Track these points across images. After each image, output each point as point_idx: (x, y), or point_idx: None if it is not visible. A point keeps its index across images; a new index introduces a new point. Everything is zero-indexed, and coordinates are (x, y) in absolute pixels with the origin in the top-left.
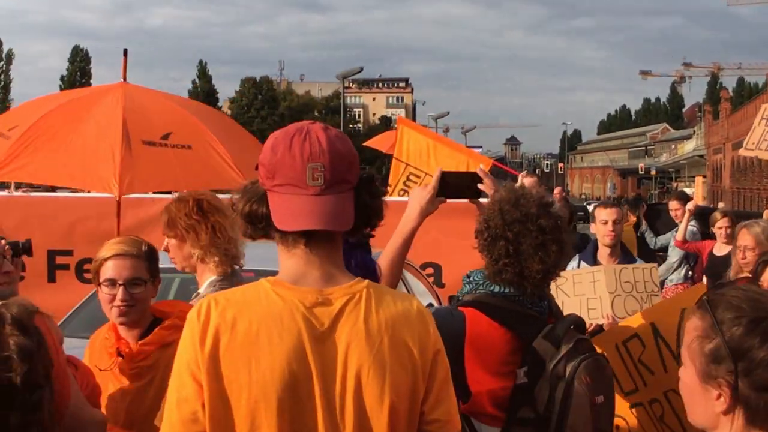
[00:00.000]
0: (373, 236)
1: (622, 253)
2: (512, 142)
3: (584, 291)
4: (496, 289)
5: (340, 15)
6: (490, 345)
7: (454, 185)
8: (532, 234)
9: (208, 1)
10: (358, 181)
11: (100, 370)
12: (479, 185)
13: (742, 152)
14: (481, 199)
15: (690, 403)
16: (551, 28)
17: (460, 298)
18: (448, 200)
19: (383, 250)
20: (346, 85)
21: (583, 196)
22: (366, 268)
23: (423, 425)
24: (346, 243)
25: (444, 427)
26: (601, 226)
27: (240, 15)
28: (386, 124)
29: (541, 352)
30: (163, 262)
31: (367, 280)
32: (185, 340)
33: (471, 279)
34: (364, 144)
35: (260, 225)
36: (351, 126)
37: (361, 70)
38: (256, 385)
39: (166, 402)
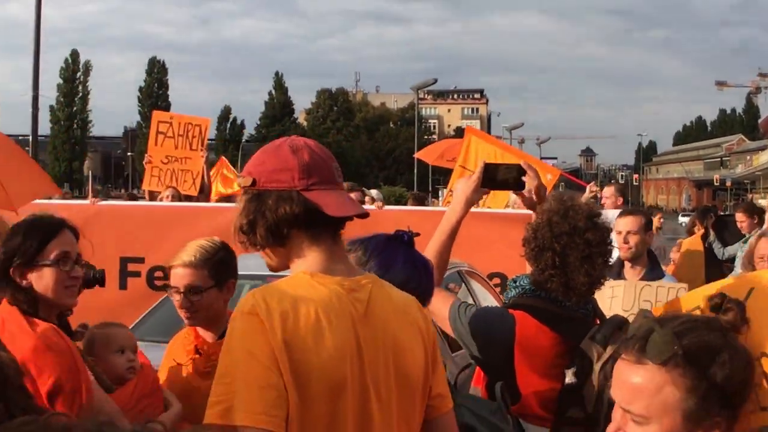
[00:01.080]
0: (418, 234)
1: (649, 266)
2: (587, 153)
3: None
4: (543, 293)
5: (416, 27)
6: (538, 347)
7: (498, 176)
8: (579, 247)
9: (286, 13)
10: None
11: (178, 364)
12: (523, 177)
13: None
14: (529, 211)
15: None
16: (628, 39)
17: (508, 301)
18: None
19: (430, 242)
20: (421, 96)
21: (660, 208)
22: (415, 264)
23: (430, 400)
24: (388, 240)
25: (444, 401)
26: (617, 236)
27: (317, 28)
28: (461, 135)
29: (588, 352)
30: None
31: (365, 272)
32: (248, 331)
33: (518, 284)
34: (415, 156)
35: (287, 226)
36: (425, 137)
37: (436, 81)
38: (327, 364)
39: (237, 393)
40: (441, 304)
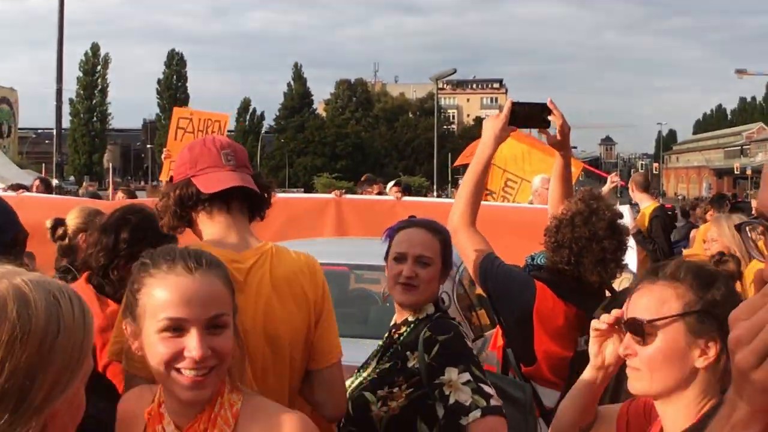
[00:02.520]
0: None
1: None
2: (607, 142)
3: None
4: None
5: (435, 17)
6: (554, 317)
7: (525, 115)
8: (595, 252)
9: (304, 4)
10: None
11: None
12: (549, 117)
13: None
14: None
15: (662, 369)
16: (647, 27)
17: (527, 272)
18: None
19: (463, 179)
20: (440, 86)
21: (680, 197)
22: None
23: (313, 354)
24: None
25: (327, 356)
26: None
27: (335, 18)
28: (480, 125)
29: None
30: None
31: (271, 243)
32: None
33: (536, 261)
34: (455, 165)
35: (189, 203)
36: (445, 127)
37: (455, 71)
38: None
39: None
40: (472, 248)
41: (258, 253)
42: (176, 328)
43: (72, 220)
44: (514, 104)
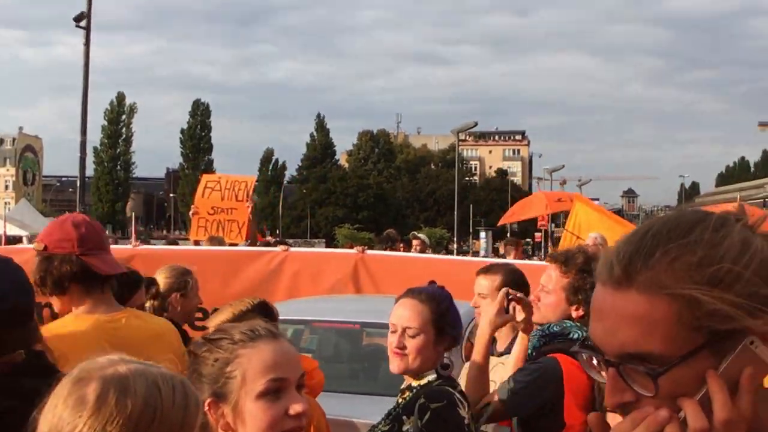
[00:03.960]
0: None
1: None
2: (629, 194)
3: None
4: (575, 335)
5: (459, 68)
6: (581, 383)
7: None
8: None
9: (330, 55)
10: None
11: None
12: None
13: None
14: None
15: None
16: (671, 80)
17: (538, 347)
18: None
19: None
20: (462, 138)
21: None
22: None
23: None
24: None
25: None
26: None
27: (360, 69)
28: (502, 176)
29: None
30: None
31: (128, 309)
32: None
33: (545, 332)
34: (499, 223)
35: (67, 280)
36: (466, 179)
37: (476, 124)
38: None
39: None
40: (496, 404)
41: (125, 315)
42: (277, 390)
43: (163, 279)
44: (509, 292)
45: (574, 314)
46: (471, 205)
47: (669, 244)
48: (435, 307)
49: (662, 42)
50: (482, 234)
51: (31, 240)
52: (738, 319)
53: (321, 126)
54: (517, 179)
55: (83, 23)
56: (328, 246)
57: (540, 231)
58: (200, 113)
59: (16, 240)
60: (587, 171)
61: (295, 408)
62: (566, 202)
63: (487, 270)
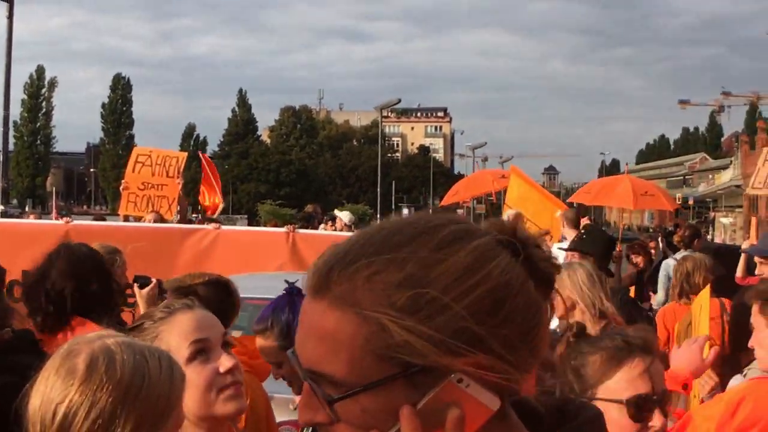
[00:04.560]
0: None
1: None
2: (550, 171)
3: None
4: None
5: (380, 44)
6: None
7: None
8: None
9: (251, 30)
10: None
11: None
12: None
13: (749, 191)
14: None
15: None
16: (592, 57)
17: None
18: None
19: None
20: (385, 114)
21: (626, 227)
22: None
23: None
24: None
25: None
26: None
27: (282, 44)
28: (424, 153)
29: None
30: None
31: None
32: None
33: None
34: (442, 204)
35: None
36: (389, 155)
37: (399, 101)
38: None
39: None
40: None
41: None
42: (202, 351)
43: None
44: None
45: None
46: (393, 182)
47: (375, 256)
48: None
49: (583, 19)
50: (405, 210)
51: None
52: (431, 356)
53: (243, 101)
54: (440, 156)
55: None
56: (250, 222)
57: (462, 208)
58: (121, 87)
59: None
60: (509, 148)
61: (225, 364)
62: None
63: None
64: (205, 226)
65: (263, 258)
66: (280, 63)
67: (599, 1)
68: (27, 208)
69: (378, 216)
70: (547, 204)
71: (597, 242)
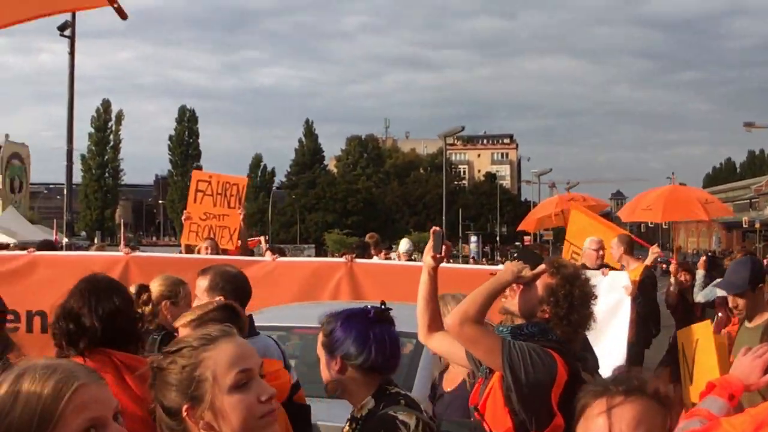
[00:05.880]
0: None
1: None
2: (618, 196)
3: None
4: (552, 336)
5: (445, 72)
6: (561, 381)
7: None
8: (586, 318)
9: (315, 60)
10: None
11: None
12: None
13: None
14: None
15: None
16: (657, 81)
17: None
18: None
19: (482, 287)
20: (451, 141)
21: (695, 251)
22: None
23: None
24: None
25: None
26: None
27: (347, 74)
28: (491, 180)
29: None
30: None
31: None
32: None
33: (523, 332)
34: (519, 228)
35: None
36: (455, 183)
37: (463, 129)
38: None
39: None
40: (486, 339)
41: None
42: (245, 381)
43: (156, 288)
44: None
45: (539, 315)
46: (460, 210)
47: None
48: (325, 329)
49: (648, 43)
50: (472, 238)
51: (18, 248)
52: None
53: (309, 131)
54: (506, 183)
55: (68, 32)
56: (317, 251)
57: (528, 235)
58: (187, 119)
59: (3, 247)
60: (576, 174)
61: (267, 392)
62: (578, 201)
63: None
64: (263, 258)
65: (321, 287)
66: (346, 92)
67: (664, 25)
68: (95, 241)
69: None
70: (610, 234)
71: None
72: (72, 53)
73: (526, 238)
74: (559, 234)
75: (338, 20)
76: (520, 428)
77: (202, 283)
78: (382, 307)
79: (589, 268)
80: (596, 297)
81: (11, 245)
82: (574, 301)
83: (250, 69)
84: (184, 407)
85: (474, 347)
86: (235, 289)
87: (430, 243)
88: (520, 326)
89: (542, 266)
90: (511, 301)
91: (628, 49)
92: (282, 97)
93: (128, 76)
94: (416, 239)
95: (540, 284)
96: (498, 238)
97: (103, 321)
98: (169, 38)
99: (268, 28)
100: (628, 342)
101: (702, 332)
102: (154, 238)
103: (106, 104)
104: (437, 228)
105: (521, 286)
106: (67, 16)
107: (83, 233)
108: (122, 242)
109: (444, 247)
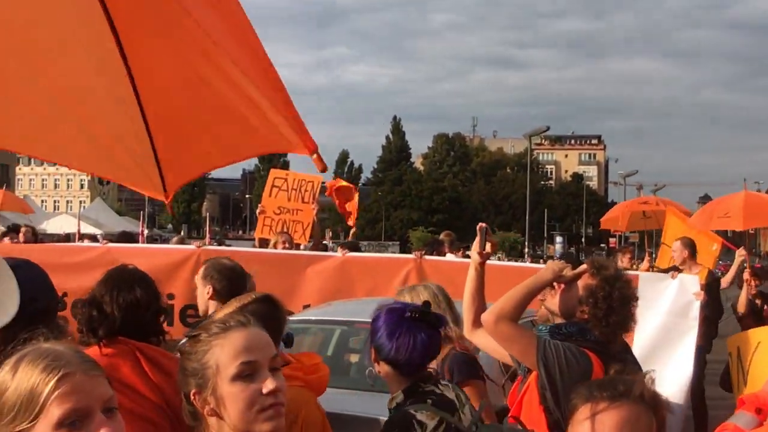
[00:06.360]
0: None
1: None
2: (705, 200)
3: None
4: (590, 336)
5: (534, 71)
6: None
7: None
8: (627, 318)
9: (405, 58)
10: None
11: None
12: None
13: None
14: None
15: None
16: (747, 84)
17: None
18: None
19: (521, 285)
20: (538, 142)
21: None
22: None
23: None
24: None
25: None
26: None
27: (436, 72)
28: (578, 181)
29: None
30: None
31: None
32: None
33: (561, 331)
34: (602, 227)
35: None
36: (542, 183)
37: (548, 129)
38: None
39: None
40: (520, 337)
41: None
42: (249, 373)
43: None
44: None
45: (578, 315)
46: (546, 210)
47: None
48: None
49: (739, 46)
50: (558, 239)
51: (105, 239)
52: None
53: (397, 129)
54: (593, 184)
55: None
56: (401, 249)
57: (614, 236)
58: None
59: (92, 239)
60: (663, 176)
61: (268, 386)
62: (651, 205)
63: None
64: (333, 253)
65: (388, 283)
66: (434, 90)
67: (755, 28)
68: (182, 233)
69: (526, 245)
70: (703, 239)
71: None
72: None
73: (611, 239)
74: (643, 236)
75: (425, 18)
76: (555, 427)
77: (201, 271)
78: (422, 307)
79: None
80: (637, 299)
81: (98, 236)
82: (614, 302)
83: (339, 66)
84: (192, 392)
85: (509, 345)
86: (221, 279)
87: (477, 240)
88: (559, 326)
89: (583, 266)
90: (552, 301)
91: (719, 51)
92: (370, 94)
93: None
94: (500, 239)
95: (581, 285)
96: (583, 239)
97: (123, 311)
98: (260, 34)
99: (356, 25)
100: (696, 344)
101: (763, 336)
102: (241, 232)
103: None
104: (483, 224)
105: (562, 286)
106: None
107: (170, 226)
108: (208, 235)
109: (489, 243)
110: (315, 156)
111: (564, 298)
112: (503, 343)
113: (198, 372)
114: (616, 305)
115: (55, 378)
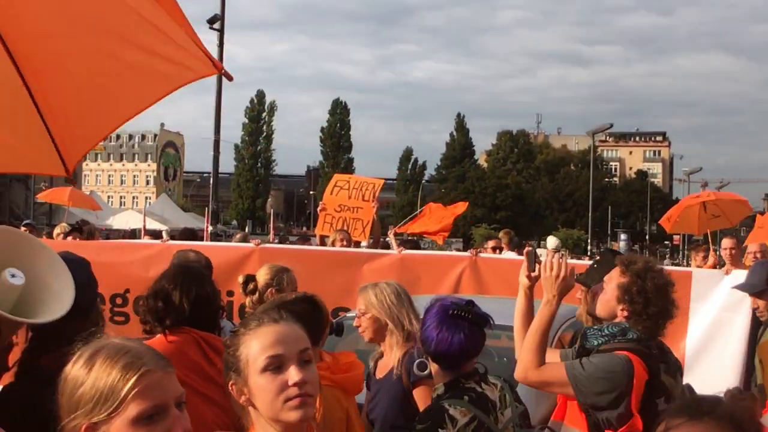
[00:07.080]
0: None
1: None
2: None
3: None
4: (632, 335)
5: (600, 68)
6: (641, 381)
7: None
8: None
9: (470, 55)
10: None
11: None
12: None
13: None
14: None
15: None
16: None
17: (600, 346)
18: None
19: (530, 330)
20: (602, 138)
21: None
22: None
23: None
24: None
25: None
26: None
27: (500, 69)
28: (642, 178)
29: (668, 384)
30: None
31: None
32: None
33: (604, 332)
34: (670, 231)
35: None
36: (606, 180)
37: (611, 126)
38: None
39: None
40: (553, 377)
41: None
42: (277, 365)
43: (262, 276)
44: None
45: (619, 314)
46: (610, 207)
47: None
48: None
49: None
50: (622, 236)
51: (170, 235)
52: None
53: (461, 126)
54: (658, 181)
55: (217, 25)
56: (465, 245)
57: (678, 234)
58: (339, 111)
59: (156, 234)
60: (729, 173)
61: (293, 377)
62: (703, 197)
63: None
64: (391, 251)
65: (441, 280)
66: (499, 87)
67: None
68: (246, 230)
69: (589, 242)
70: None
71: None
72: (221, 45)
73: (676, 237)
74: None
75: (493, 14)
76: (594, 428)
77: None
78: (464, 306)
79: None
80: (673, 284)
81: (164, 232)
82: (649, 294)
83: (405, 63)
84: (231, 383)
85: (547, 389)
86: (175, 274)
87: (525, 263)
88: (601, 327)
89: (528, 247)
90: (591, 306)
91: None
92: (435, 91)
93: (283, 68)
94: (563, 236)
95: (614, 285)
96: (647, 237)
97: (192, 304)
98: (326, 31)
99: (422, 21)
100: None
101: None
102: (304, 228)
103: (260, 95)
104: (530, 248)
105: (586, 289)
106: (216, 9)
107: (234, 222)
108: (272, 232)
109: (538, 265)
110: (223, 71)
111: (600, 302)
112: (543, 390)
113: (234, 364)
114: (652, 296)
115: (135, 376)
